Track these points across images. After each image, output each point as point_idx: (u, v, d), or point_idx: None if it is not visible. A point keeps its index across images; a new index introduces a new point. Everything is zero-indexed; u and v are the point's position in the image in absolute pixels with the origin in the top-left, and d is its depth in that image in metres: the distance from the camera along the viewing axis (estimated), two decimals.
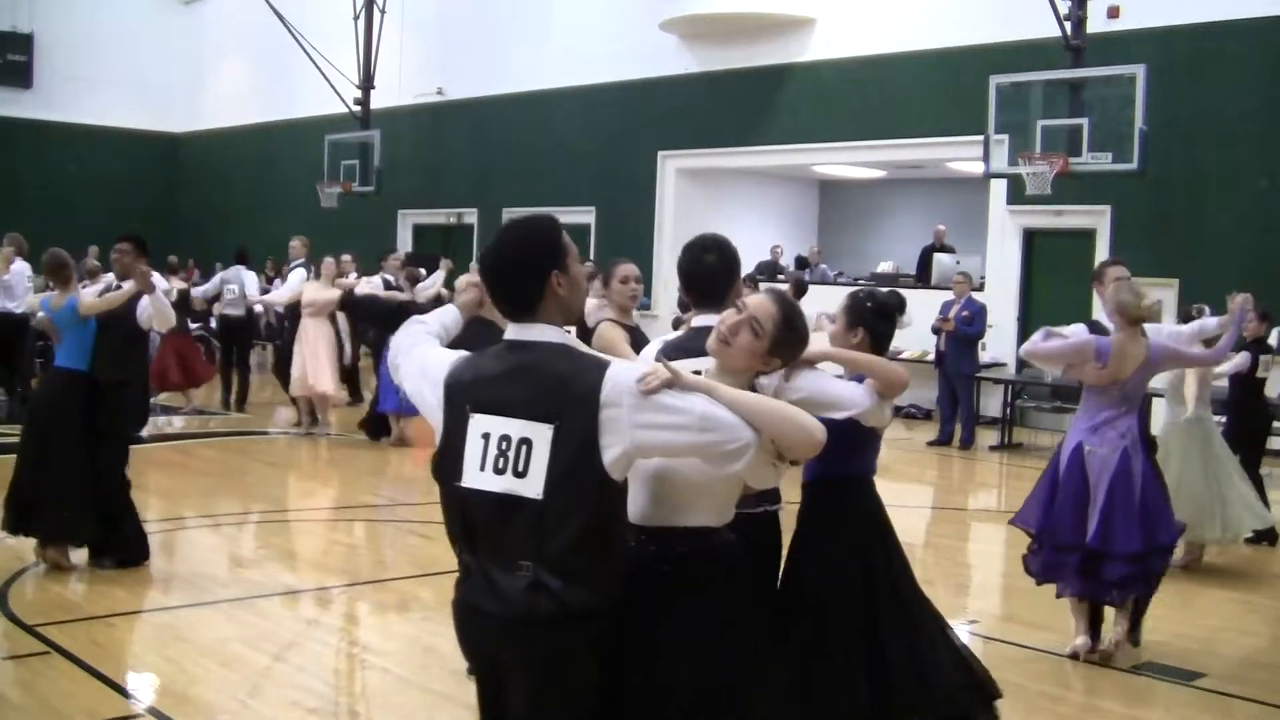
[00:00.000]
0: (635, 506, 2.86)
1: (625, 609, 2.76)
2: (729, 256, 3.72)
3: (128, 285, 7.18)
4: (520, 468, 2.66)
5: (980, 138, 13.11)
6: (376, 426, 12.08)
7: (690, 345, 3.51)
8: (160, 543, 7.93)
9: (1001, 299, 14.96)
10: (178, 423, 12.40)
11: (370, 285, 13.19)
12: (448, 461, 2.76)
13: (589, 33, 19.61)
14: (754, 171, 19.44)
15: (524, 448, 2.66)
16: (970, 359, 13.70)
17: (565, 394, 2.66)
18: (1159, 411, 8.06)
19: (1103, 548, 5.67)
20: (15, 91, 26.58)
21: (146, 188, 27.79)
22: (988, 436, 13.65)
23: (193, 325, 15.19)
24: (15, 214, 23.48)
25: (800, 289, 14.38)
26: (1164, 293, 13.57)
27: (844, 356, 3.79)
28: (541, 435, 2.64)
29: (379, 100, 21.70)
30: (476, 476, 2.70)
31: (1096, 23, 13.32)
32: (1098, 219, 14.33)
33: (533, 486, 2.64)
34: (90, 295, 7.21)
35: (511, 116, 20.79)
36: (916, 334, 14.47)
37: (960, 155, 15.45)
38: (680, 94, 18.48)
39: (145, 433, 11.35)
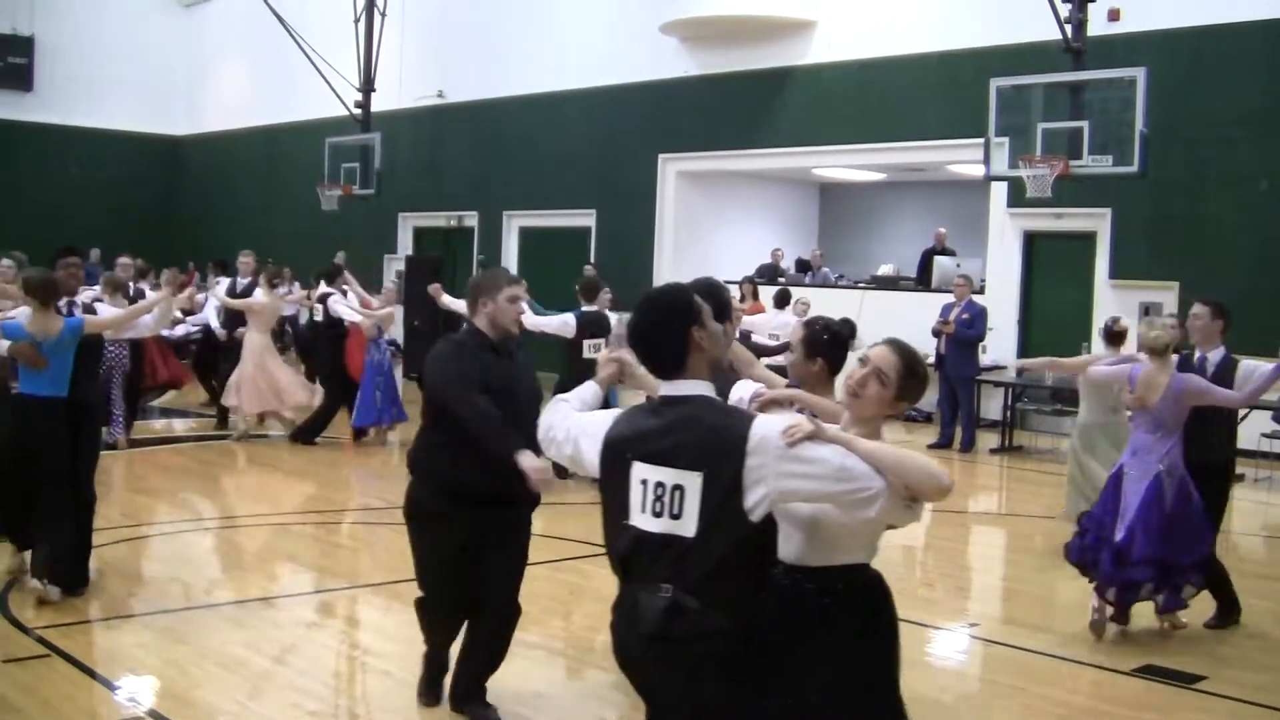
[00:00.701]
0: (792, 547, 3.16)
1: (773, 639, 3.09)
2: (714, 298, 4.04)
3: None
4: (675, 511, 3.01)
5: (981, 140, 13.11)
6: (310, 433, 12.24)
7: None
8: (160, 545, 7.94)
9: (1002, 302, 14.96)
10: (178, 425, 12.38)
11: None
12: (612, 502, 3.16)
13: (589, 35, 19.62)
14: (754, 174, 19.45)
15: (677, 493, 3.01)
16: (971, 362, 13.70)
17: (714, 444, 3.00)
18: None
19: (1127, 550, 6.19)
20: (16, 94, 26.59)
21: (147, 190, 27.80)
22: (988, 439, 13.65)
23: (192, 328, 15.15)
24: (16, 217, 23.56)
25: (784, 299, 14.40)
26: (1164, 295, 13.62)
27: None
28: (692, 482, 2.99)
29: (379, 103, 21.70)
30: (639, 517, 3.07)
31: (1097, 25, 13.32)
32: (1098, 222, 14.33)
33: (688, 527, 2.99)
34: (108, 311, 7.00)
35: (512, 119, 20.80)
36: (917, 337, 14.50)
37: (961, 158, 15.46)
38: (681, 97, 18.49)
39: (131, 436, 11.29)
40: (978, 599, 7.71)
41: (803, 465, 2.94)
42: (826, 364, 4.05)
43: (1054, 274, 15.12)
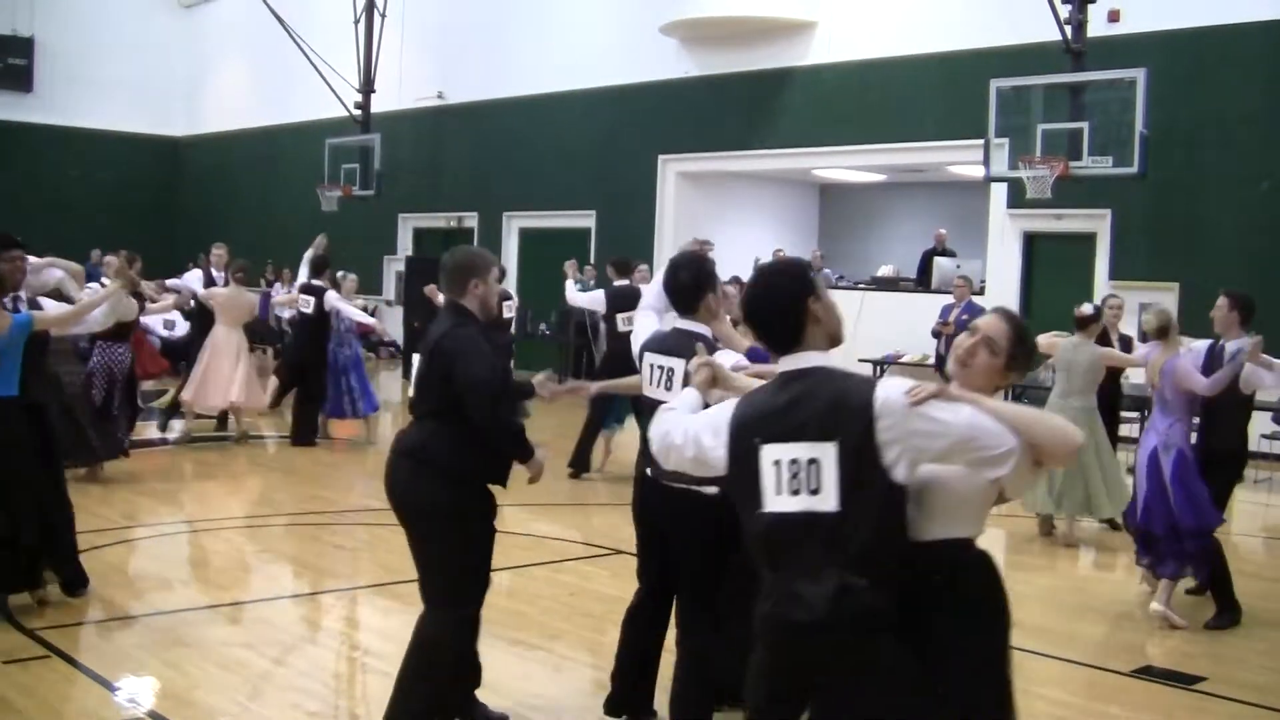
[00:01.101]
0: None
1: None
2: (700, 272, 4.49)
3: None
4: (813, 486, 2.92)
5: (981, 141, 13.11)
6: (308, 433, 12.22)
7: (671, 343, 4.45)
8: (160, 546, 7.94)
9: (1002, 302, 14.88)
10: (177, 426, 12.35)
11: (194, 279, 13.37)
12: (744, 493, 3.05)
13: (589, 36, 19.63)
14: (754, 175, 19.45)
15: (813, 467, 2.92)
16: None
17: (841, 412, 2.93)
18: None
19: (1146, 528, 6.76)
20: (16, 95, 26.61)
21: (147, 191, 27.81)
22: None
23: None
24: (16, 218, 23.53)
25: None
26: (1164, 296, 13.61)
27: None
28: (827, 453, 2.91)
29: (379, 104, 21.71)
30: (775, 501, 2.97)
31: (1097, 26, 13.33)
32: (1098, 223, 14.34)
33: (828, 501, 2.90)
34: (54, 306, 6.63)
35: (512, 120, 20.80)
36: (917, 337, 14.50)
37: (961, 159, 15.46)
38: (680, 98, 18.49)
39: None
40: None
41: (932, 424, 2.89)
42: None
43: (1054, 275, 15.13)
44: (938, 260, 16.81)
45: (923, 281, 16.91)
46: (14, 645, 5.62)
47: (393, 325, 22.08)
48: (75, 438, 8.84)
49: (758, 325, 3.15)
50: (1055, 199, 12.81)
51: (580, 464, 10.91)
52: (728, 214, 19.42)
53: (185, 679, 5.32)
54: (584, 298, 11.89)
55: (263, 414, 13.58)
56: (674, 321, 4.53)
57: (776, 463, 2.97)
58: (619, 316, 10.64)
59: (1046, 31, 13.07)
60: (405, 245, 23.50)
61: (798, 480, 2.93)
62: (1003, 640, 3.15)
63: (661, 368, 4.48)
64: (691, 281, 4.48)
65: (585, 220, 20.01)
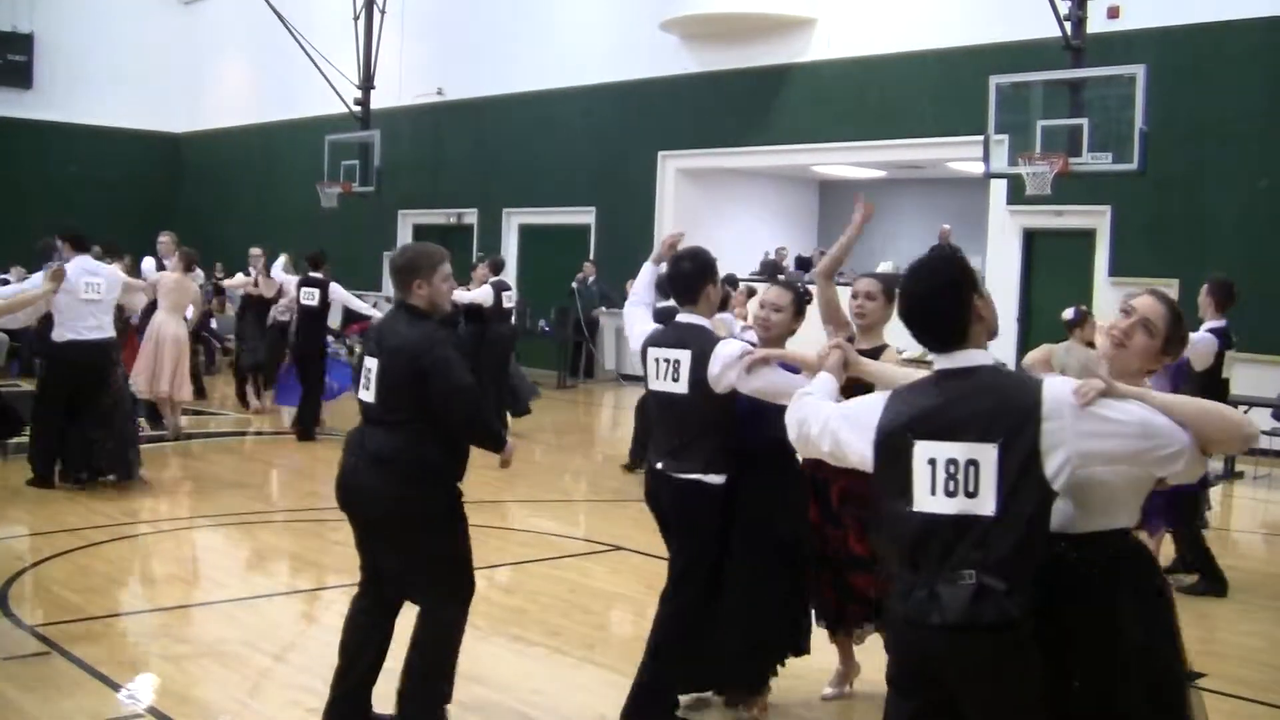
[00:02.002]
0: (1057, 517, 2.95)
1: (1048, 616, 2.89)
2: (701, 262, 4.65)
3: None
4: (971, 488, 2.82)
5: (980, 138, 13.11)
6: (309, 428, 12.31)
7: (675, 336, 4.58)
8: (159, 543, 7.94)
9: (1001, 299, 14.89)
10: (169, 424, 12.34)
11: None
12: (894, 489, 2.94)
13: (589, 33, 19.62)
14: (754, 172, 19.45)
15: (971, 469, 2.82)
16: None
17: (1006, 412, 2.84)
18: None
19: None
20: (16, 92, 26.58)
21: (147, 188, 27.78)
22: None
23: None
24: (16, 214, 23.54)
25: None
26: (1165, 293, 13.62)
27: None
28: (987, 455, 2.81)
29: (379, 100, 21.71)
30: (928, 500, 2.87)
31: (1096, 23, 13.32)
32: (1098, 219, 14.33)
33: (986, 505, 2.81)
34: None
35: (511, 117, 20.79)
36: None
37: (960, 155, 15.46)
38: (680, 94, 18.49)
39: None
40: None
41: (1104, 424, 2.81)
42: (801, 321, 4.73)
43: (1054, 271, 15.12)
44: None
45: None
46: (14, 642, 5.62)
47: None
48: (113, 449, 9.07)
49: (917, 324, 3.04)
50: (1055, 195, 12.81)
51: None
52: (727, 210, 19.42)
53: (185, 676, 5.33)
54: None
55: (259, 412, 13.63)
56: (680, 316, 4.68)
57: (931, 462, 2.87)
58: None
59: (1046, 28, 13.07)
60: (405, 242, 23.48)
61: (954, 481, 2.84)
62: (1169, 631, 3.11)
63: (668, 360, 4.56)
64: (694, 271, 4.62)
65: (585, 217, 20.01)
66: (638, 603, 6.92)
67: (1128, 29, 13.55)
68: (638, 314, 4.96)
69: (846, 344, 3.54)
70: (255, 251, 14.42)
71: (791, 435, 3.28)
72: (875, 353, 4.53)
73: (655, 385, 4.64)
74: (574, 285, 18.72)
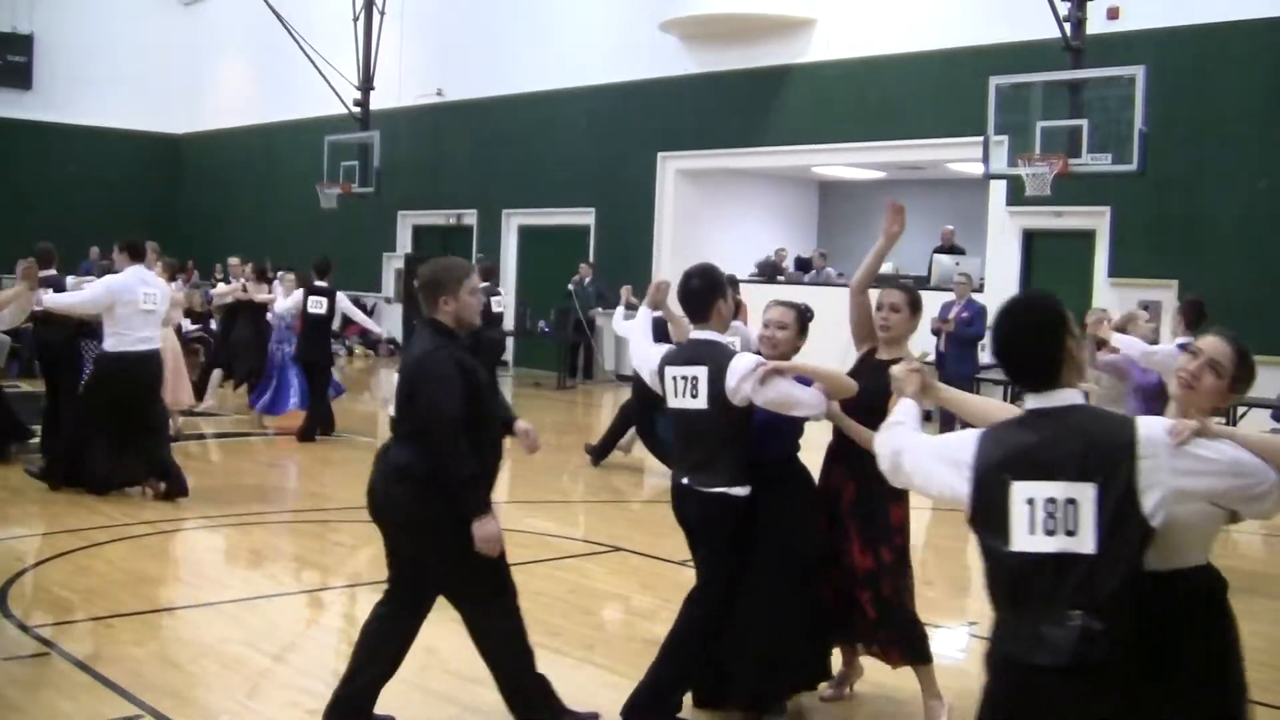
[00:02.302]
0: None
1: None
2: (710, 279, 4.74)
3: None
4: (1070, 527, 2.86)
5: (980, 139, 13.11)
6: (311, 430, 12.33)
7: (690, 354, 4.68)
8: (160, 544, 7.94)
9: (1001, 300, 14.78)
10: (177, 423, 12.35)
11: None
12: (990, 530, 2.98)
13: (589, 34, 19.62)
14: (754, 172, 19.45)
15: (1070, 508, 2.87)
16: (970, 360, 13.69)
17: (1102, 451, 2.89)
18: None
19: None
20: (16, 93, 26.59)
21: (147, 188, 27.79)
22: None
23: (192, 327, 15.16)
24: (16, 215, 23.56)
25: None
26: (1164, 293, 13.62)
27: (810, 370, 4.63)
28: (1086, 494, 2.86)
29: (378, 101, 21.71)
30: (1027, 540, 2.90)
31: (1096, 24, 13.33)
32: (1097, 220, 14.34)
33: (1086, 543, 2.86)
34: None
35: (511, 117, 20.80)
36: (917, 335, 14.49)
37: (960, 156, 15.46)
38: (680, 95, 18.49)
39: None
40: (978, 598, 7.70)
41: (1198, 463, 2.88)
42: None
43: (1053, 272, 15.12)
44: (937, 257, 16.81)
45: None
46: (14, 643, 5.62)
47: (392, 323, 22.09)
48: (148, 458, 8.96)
49: (1010, 362, 3.10)
50: (1054, 196, 12.82)
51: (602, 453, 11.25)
52: (727, 211, 19.43)
53: (185, 676, 5.33)
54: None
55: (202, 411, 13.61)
56: (693, 333, 4.78)
57: (1030, 501, 2.90)
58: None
59: (1046, 29, 13.07)
60: (404, 243, 23.49)
61: (1054, 520, 2.88)
62: (1238, 663, 3.28)
63: (685, 377, 4.66)
64: (703, 288, 4.71)
65: (585, 218, 20.01)
66: (637, 603, 6.92)
67: (1127, 30, 13.56)
68: (641, 345, 5.06)
69: (923, 368, 3.60)
70: (234, 261, 14.57)
71: (883, 465, 3.36)
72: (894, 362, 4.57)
73: (674, 403, 4.74)
74: (570, 287, 18.72)
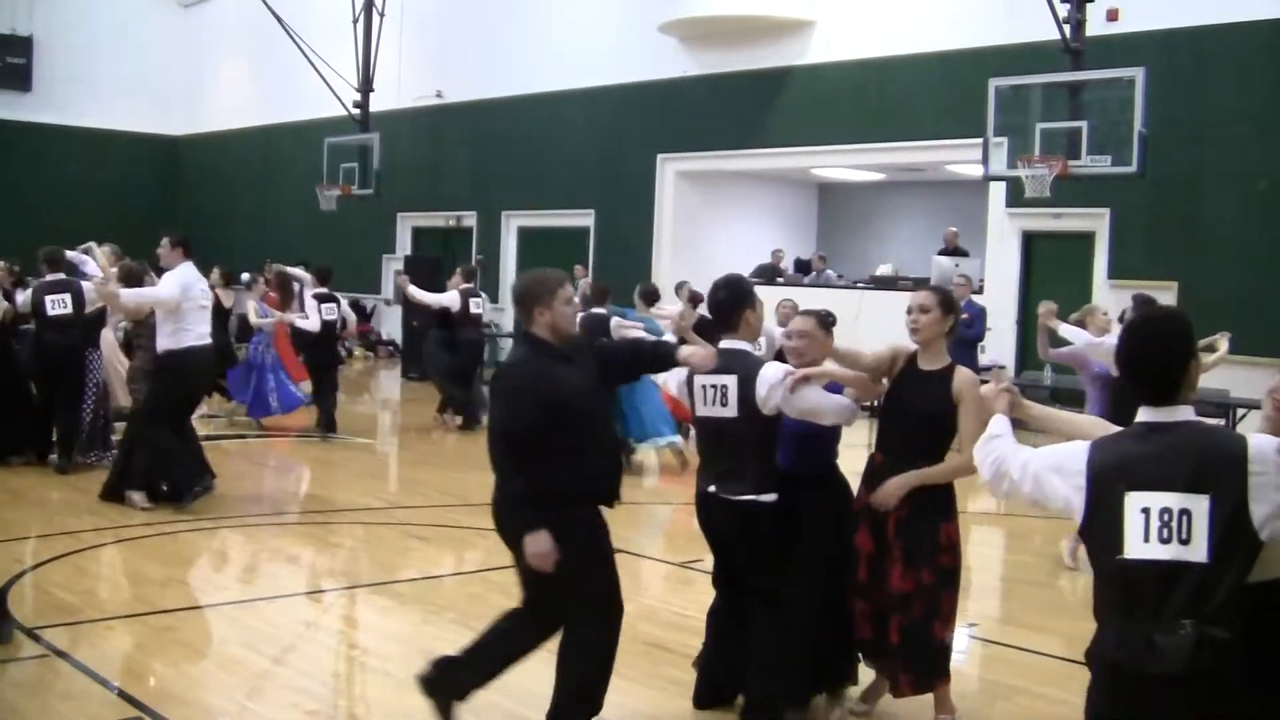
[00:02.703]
0: None
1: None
2: (737, 290, 4.84)
3: None
4: (1184, 536, 2.95)
5: (979, 140, 13.11)
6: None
7: (719, 363, 4.59)
8: (159, 545, 7.93)
9: (1001, 301, 14.96)
10: None
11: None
12: (1105, 538, 3.07)
13: (588, 35, 19.63)
14: (753, 174, 19.45)
15: (1184, 518, 2.96)
16: (970, 361, 13.67)
17: (1215, 465, 2.98)
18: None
19: None
20: (15, 94, 26.60)
21: (146, 190, 27.79)
22: None
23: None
24: (15, 217, 23.55)
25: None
26: (1163, 295, 13.60)
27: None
28: (1199, 505, 2.95)
29: (378, 103, 21.70)
30: (1140, 548, 2.99)
31: (1095, 25, 13.32)
32: (1097, 221, 14.34)
33: (1198, 552, 2.94)
34: None
35: (511, 119, 20.80)
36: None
37: (959, 158, 15.46)
38: (680, 97, 18.49)
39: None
40: (977, 599, 7.70)
41: None
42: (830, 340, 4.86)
43: (1053, 274, 15.12)
44: (936, 259, 16.79)
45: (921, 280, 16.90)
46: (14, 644, 5.62)
47: (392, 325, 22.09)
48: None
49: (1135, 374, 3.17)
50: (1054, 198, 12.81)
51: None
52: (727, 213, 19.43)
53: (184, 678, 5.32)
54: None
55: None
56: (722, 342, 4.78)
57: (1145, 510, 3.00)
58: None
59: (1045, 30, 13.07)
60: (404, 244, 23.49)
61: (1168, 529, 2.96)
62: None
63: (715, 386, 4.72)
64: (729, 300, 4.80)
65: (584, 219, 20.01)
66: (637, 604, 6.91)
67: (1127, 31, 13.55)
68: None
69: (1013, 387, 3.69)
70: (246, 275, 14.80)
71: (985, 475, 3.46)
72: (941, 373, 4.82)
73: (703, 411, 4.81)
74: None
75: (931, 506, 4.63)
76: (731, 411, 4.68)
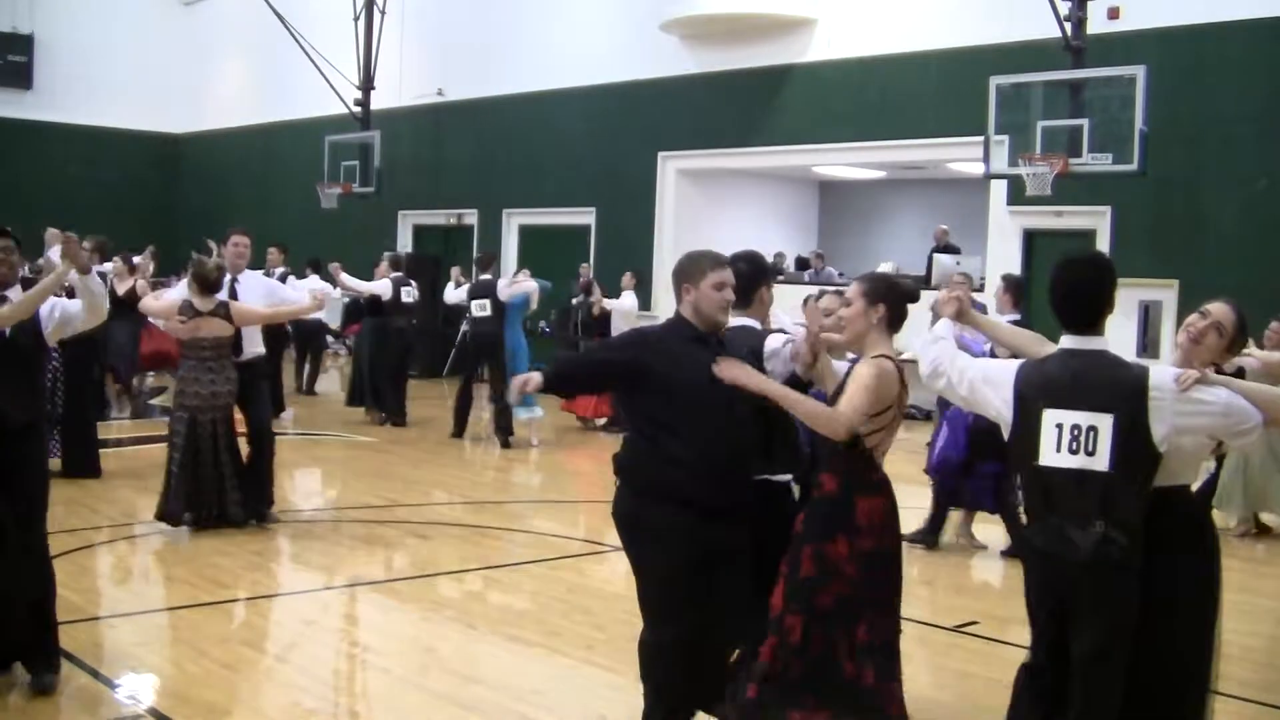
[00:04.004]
0: None
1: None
2: (756, 265, 4.76)
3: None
4: (1090, 449, 3.54)
5: (980, 138, 13.10)
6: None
7: (733, 340, 4.42)
8: (160, 543, 7.94)
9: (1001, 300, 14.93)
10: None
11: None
12: (1024, 447, 3.66)
13: (589, 33, 19.62)
14: (754, 172, 19.45)
15: (1091, 433, 3.54)
16: None
17: (1120, 390, 3.56)
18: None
19: (943, 470, 8.28)
20: (16, 92, 26.59)
21: (147, 189, 27.79)
22: None
23: None
24: (16, 215, 23.46)
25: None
26: (1164, 293, 13.62)
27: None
28: (1104, 422, 3.53)
29: (379, 101, 21.70)
30: (1053, 457, 3.59)
31: (1097, 23, 13.31)
32: (1098, 220, 14.33)
33: (1101, 462, 3.53)
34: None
35: (511, 117, 20.79)
36: (917, 334, 14.50)
37: (960, 156, 15.45)
38: (680, 95, 18.48)
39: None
40: (978, 598, 7.71)
41: (1197, 405, 3.53)
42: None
43: None
44: (937, 257, 16.80)
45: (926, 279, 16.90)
46: None
47: None
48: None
49: (1064, 304, 3.68)
50: (1055, 196, 12.80)
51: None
52: (728, 211, 19.42)
53: (184, 676, 5.33)
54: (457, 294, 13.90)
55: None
56: (732, 320, 4.55)
57: (1059, 425, 3.57)
58: (474, 303, 12.84)
59: (1046, 29, 13.06)
60: (405, 242, 23.47)
61: (1076, 442, 3.54)
62: (1213, 578, 3.74)
63: None
64: (749, 273, 4.66)
65: (585, 217, 20.01)
66: (636, 603, 6.92)
67: (1128, 30, 13.54)
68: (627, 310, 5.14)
69: (964, 295, 4.11)
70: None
71: (924, 370, 3.93)
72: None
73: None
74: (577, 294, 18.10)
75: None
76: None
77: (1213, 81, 13.28)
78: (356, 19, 21.47)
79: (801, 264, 18.87)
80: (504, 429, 12.17)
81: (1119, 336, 14.25)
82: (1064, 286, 3.68)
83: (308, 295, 8.55)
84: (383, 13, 21.33)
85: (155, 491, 9.25)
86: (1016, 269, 15.31)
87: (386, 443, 12.50)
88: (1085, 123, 12.40)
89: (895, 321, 4.25)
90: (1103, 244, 14.28)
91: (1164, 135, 12.46)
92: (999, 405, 3.72)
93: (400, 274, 13.86)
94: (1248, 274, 12.69)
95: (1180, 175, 13.32)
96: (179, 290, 8.15)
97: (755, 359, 4.41)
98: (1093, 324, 3.66)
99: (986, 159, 13.09)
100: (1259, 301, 9.41)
